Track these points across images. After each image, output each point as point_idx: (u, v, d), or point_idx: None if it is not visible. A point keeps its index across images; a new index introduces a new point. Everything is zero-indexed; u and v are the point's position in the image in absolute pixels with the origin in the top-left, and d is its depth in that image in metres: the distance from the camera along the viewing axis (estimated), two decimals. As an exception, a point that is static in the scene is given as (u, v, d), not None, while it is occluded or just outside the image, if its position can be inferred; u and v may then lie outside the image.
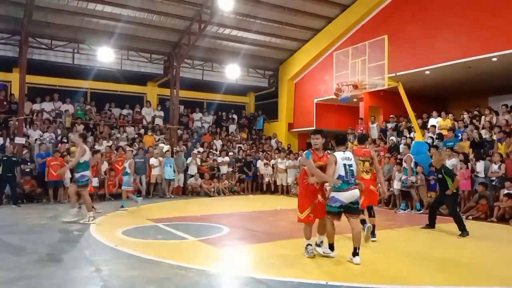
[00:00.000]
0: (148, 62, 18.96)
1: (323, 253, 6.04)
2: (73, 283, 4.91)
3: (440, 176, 8.68)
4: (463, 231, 8.04)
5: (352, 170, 5.84)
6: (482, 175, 11.22)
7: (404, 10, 14.97)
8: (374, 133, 16.55)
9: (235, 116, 22.09)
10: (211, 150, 17.95)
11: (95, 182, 13.73)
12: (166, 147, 16.42)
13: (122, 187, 12.00)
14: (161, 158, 15.45)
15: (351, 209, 5.82)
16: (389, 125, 16.28)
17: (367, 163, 7.21)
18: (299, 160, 17.11)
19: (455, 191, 8.52)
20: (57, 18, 15.82)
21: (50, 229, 8.57)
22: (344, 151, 5.98)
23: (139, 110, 19.09)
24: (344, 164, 5.78)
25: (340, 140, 6.12)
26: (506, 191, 10.24)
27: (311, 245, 6.04)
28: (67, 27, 16.36)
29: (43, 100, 16.99)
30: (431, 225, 8.87)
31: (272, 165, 17.53)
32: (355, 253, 5.68)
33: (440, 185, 8.91)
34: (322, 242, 6.23)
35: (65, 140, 15.29)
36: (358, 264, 5.56)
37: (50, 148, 14.23)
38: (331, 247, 6.03)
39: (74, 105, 17.73)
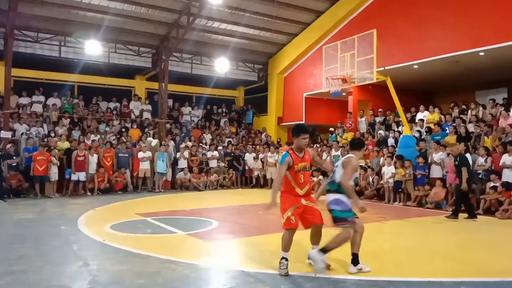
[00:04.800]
0: (136, 55, 18.77)
1: (358, 270, 4.96)
2: (61, 278, 4.87)
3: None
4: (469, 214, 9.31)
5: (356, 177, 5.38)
6: (469, 168, 11.34)
7: (393, 5, 15.00)
8: (363, 127, 16.65)
9: (225, 110, 22.01)
10: (200, 144, 17.89)
11: (82, 176, 13.63)
12: (154, 141, 16.31)
13: None
14: (149, 152, 15.35)
15: None
16: (378, 119, 16.37)
17: None
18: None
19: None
20: (44, 10, 15.55)
21: (38, 223, 8.51)
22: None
23: (126, 103, 18.90)
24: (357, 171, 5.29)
25: (356, 145, 5.38)
26: (492, 184, 10.40)
27: (286, 259, 4.89)
28: (54, 20, 16.09)
29: (29, 94, 16.73)
30: (456, 214, 9.45)
31: (261, 159, 17.53)
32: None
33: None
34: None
35: (52, 134, 15.09)
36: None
37: (37, 142, 14.04)
38: (356, 259, 5.01)
39: (61, 98, 17.50)
